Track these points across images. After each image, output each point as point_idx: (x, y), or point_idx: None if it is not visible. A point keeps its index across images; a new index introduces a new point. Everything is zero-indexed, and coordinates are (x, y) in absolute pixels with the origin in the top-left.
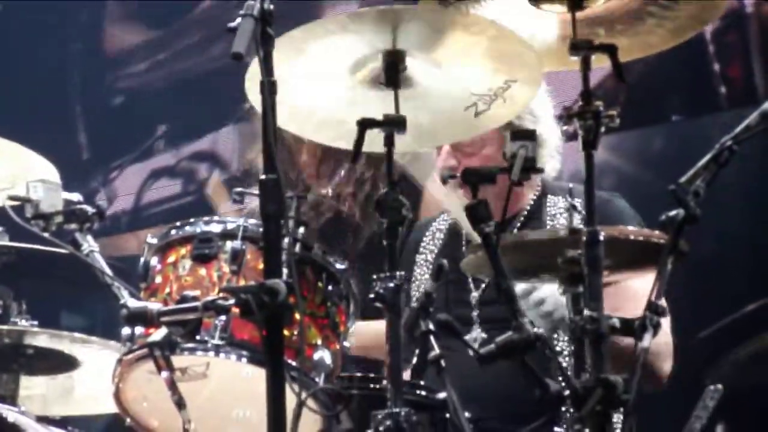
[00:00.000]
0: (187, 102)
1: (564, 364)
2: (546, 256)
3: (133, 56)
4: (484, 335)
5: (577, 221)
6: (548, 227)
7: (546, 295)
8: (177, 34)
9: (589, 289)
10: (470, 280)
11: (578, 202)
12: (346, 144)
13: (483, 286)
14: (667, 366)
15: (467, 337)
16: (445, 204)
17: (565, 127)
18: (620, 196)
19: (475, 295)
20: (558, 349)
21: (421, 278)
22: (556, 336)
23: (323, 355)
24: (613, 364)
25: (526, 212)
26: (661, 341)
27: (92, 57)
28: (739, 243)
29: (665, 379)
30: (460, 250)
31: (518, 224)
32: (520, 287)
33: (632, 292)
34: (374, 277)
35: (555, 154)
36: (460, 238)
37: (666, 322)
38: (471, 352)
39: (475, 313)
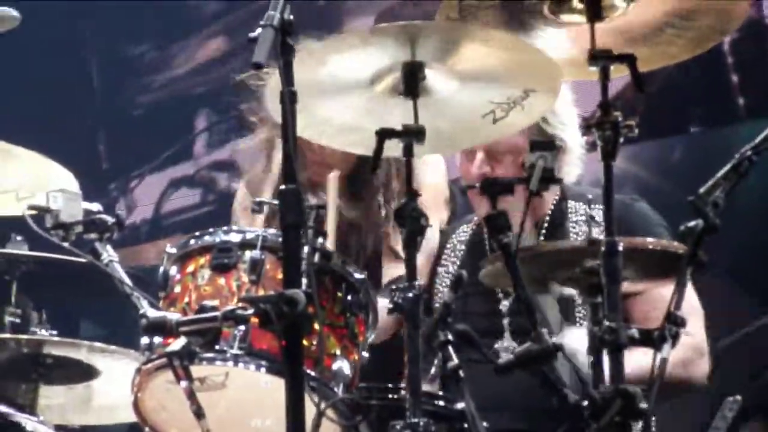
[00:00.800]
0: (210, 112)
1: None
2: (564, 265)
3: (154, 67)
4: (514, 344)
5: (596, 232)
6: (571, 234)
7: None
8: (197, 46)
9: (607, 300)
10: (499, 290)
11: (597, 210)
12: (365, 150)
13: (513, 296)
14: (701, 370)
15: (497, 346)
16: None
17: (584, 138)
18: (641, 199)
19: (505, 303)
20: None
21: (443, 290)
22: None
23: (342, 365)
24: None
25: (548, 219)
26: (689, 347)
27: (113, 68)
28: (757, 253)
29: (704, 381)
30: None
31: (543, 231)
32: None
33: (661, 299)
34: (393, 287)
35: (578, 162)
36: (483, 248)
37: (699, 323)
38: (490, 363)
39: (505, 322)
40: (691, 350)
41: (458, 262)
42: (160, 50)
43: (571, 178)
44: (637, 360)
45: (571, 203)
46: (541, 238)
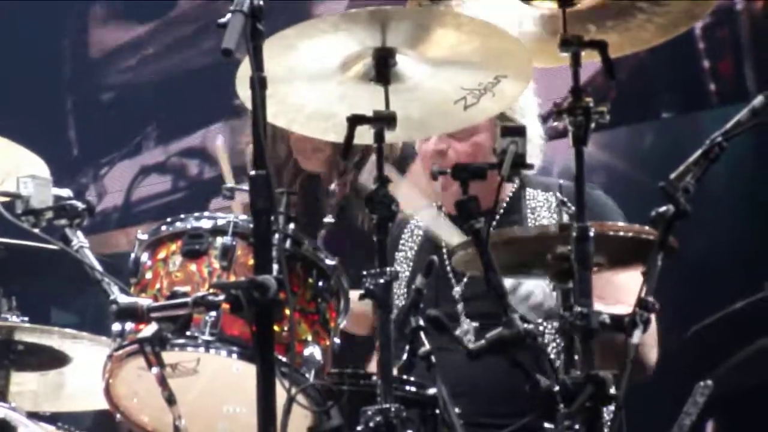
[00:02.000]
0: (177, 98)
1: (552, 357)
2: (535, 252)
3: (123, 52)
4: (475, 324)
5: (567, 218)
6: (529, 221)
7: (533, 287)
8: (166, 29)
9: (578, 285)
10: (451, 275)
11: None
12: (336, 137)
13: (465, 280)
14: (653, 356)
15: (457, 332)
16: (419, 215)
17: (555, 123)
18: (598, 187)
19: (457, 290)
20: (546, 341)
21: (402, 275)
22: (543, 327)
23: (313, 351)
24: (601, 356)
25: (505, 205)
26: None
27: (82, 53)
28: (729, 240)
29: (652, 369)
30: (440, 247)
31: (497, 217)
32: (506, 282)
33: (614, 280)
34: (364, 273)
35: (538, 152)
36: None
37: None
38: (461, 348)
39: (459, 307)
40: (649, 335)
41: (416, 248)
42: (129, 32)
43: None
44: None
45: (529, 190)
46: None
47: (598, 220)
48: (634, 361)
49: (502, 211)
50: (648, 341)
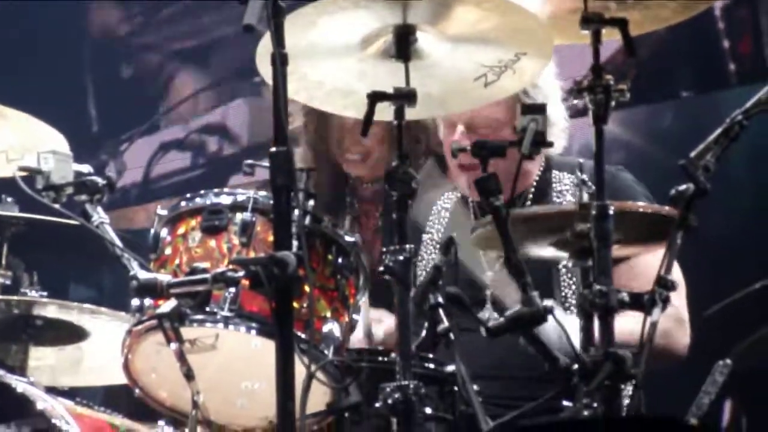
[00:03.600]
0: (197, 75)
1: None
2: (556, 230)
3: (145, 29)
4: (495, 315)
5: (587, 196)
6: (555, 202)
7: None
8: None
9: (598, 263)
10: (483, 260)
11: (586, 177)
12: (356, 113)
13: (497, 267)
14: (683, 341)
15: (479, 316)
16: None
17: (575, 102)
18: (625, 170)
19: (489, 274)
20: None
21: (428, 257)
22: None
23: (332, 328)
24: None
25: (533, 189)
26: (671, 318)
27: (101, 31)
28: (748, 220)
29: (685, 352)
30: (468, 228)
31: (528, 202)
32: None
33: (643, 267)
34: (384, 250)
35: (561, 134)
36: (467, 216)
37: (681, 295)
38: (481, 326)
39: (488, 293)
40: (673, 320)
41: (442, 230)
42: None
43: (556, 150)
44: (626, 323)
45: (555, 173)
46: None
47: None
48: (665, 354)
49: (531, 195)
50: (676, 329)
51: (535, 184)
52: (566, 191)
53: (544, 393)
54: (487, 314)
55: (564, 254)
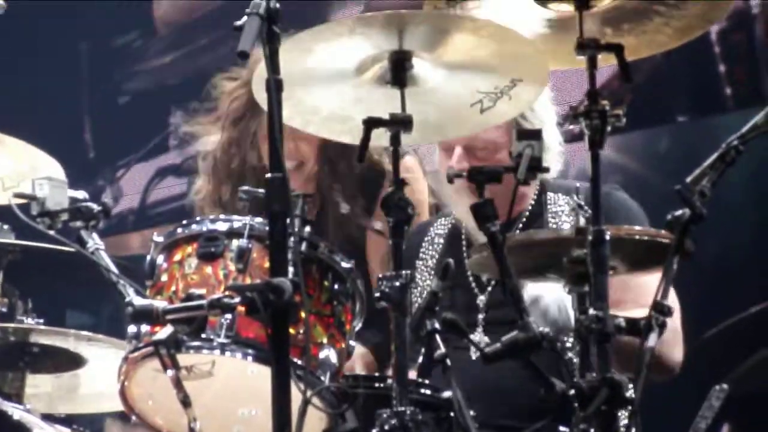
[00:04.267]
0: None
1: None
2: (552, 255)
3: (141, 56)
4: (487, 339)
5: (583, 221)
6: (550, 226)
7: (549, 302)
8: (186, 34)
9: (594, 289)
10: (474, 284)
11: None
12: (352, 139)
13: (489, 289)
14: (676, 354)
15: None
16: (453, 205)
17: (571, 127)
18: (619, 188)
19: (482, 298)
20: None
21: (423, 284)
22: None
23: (329, 354)
24: (617, 359)
25: (528, 212)
26: (668, 329)
27: (100, 56)
28: (744, 244)
29: (677, 368)
30: (461, 253)
31: (521, 225)
32: (527, 295)
33: (635, 280)
34: (380, 276)
35: (557, 158)
36: (460, 242)
37: (676, 312)
38: (477, 351)
39: (481, 317)
40: (670, 332)
41: (437, 256)
42: (146, 38)
43: (551, 174)
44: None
45: (550, 195)
46: (517, 231)
47: (620, 222)
48: (657, 363)
49: (525, 219)
50: (669, 338)
51: (530, 207)
52: (561, 212)
53: (540, 414)
54: (477, 338)
55: (560, 280)
